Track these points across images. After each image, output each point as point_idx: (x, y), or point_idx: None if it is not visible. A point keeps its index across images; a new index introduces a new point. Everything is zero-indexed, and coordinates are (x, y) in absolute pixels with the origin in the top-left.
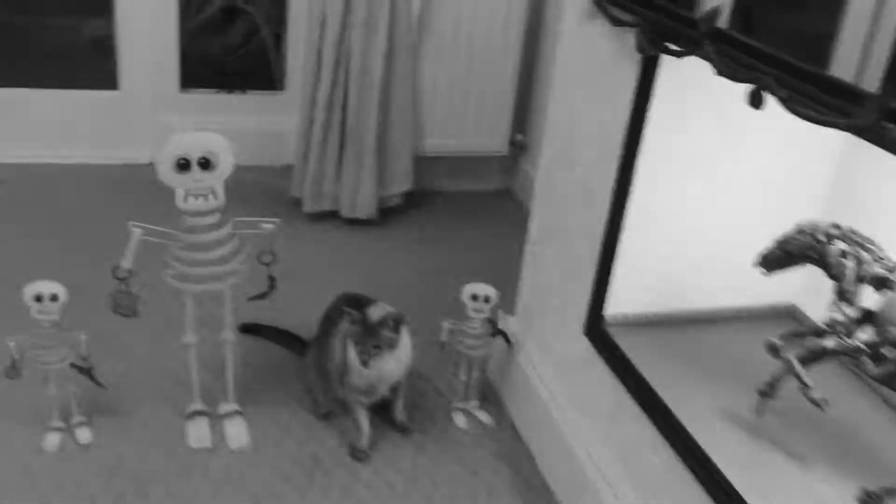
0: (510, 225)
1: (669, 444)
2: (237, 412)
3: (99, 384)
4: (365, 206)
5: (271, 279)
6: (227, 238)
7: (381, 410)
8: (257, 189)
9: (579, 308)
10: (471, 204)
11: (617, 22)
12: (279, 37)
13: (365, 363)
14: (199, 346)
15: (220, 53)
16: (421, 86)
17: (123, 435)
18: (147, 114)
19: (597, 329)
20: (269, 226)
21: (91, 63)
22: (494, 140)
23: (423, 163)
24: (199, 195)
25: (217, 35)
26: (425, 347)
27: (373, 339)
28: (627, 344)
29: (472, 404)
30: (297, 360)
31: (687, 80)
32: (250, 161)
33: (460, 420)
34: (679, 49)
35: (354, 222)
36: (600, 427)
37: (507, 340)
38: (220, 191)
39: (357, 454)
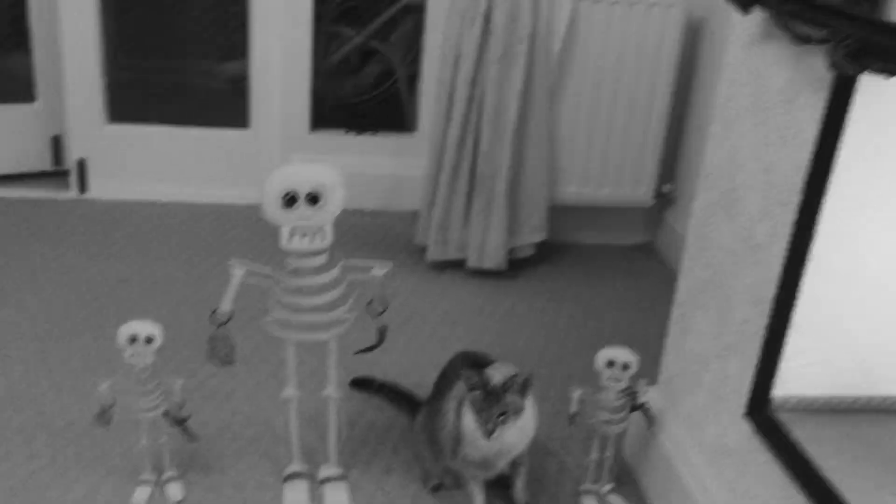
0: (652, 284)
1: None
2: (340, 477)
3: (192, 436)
4: (493, 256)
5: (381, 331)
6: (333, 283)
7: (499, 487)
8: (381, 235)
9: (739, 385)
10: (609, 259)
11: (803, 40)
12: (413, 78)
13: (489, 434)
14: (302, 401)
15: (352, 94)
16: (559, 129)
17: (216, 493)
18: (276, 153)
19: (762, 412)
20: (381, 270)
21: (227, 103)
22: (638, 190)
23: (558, 212)
24: (305, 234)
25: (350, 76)
26: (552, 418)
27: (497, 405)
28: (801, 433)
29: (605, 488)
30: (409, 423)
31: (890, 109)
32: (377, 206)
33: (588, 502)
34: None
35: (481, 273)
36: None
37: (648, 416)
38: (329, 230)
39: None
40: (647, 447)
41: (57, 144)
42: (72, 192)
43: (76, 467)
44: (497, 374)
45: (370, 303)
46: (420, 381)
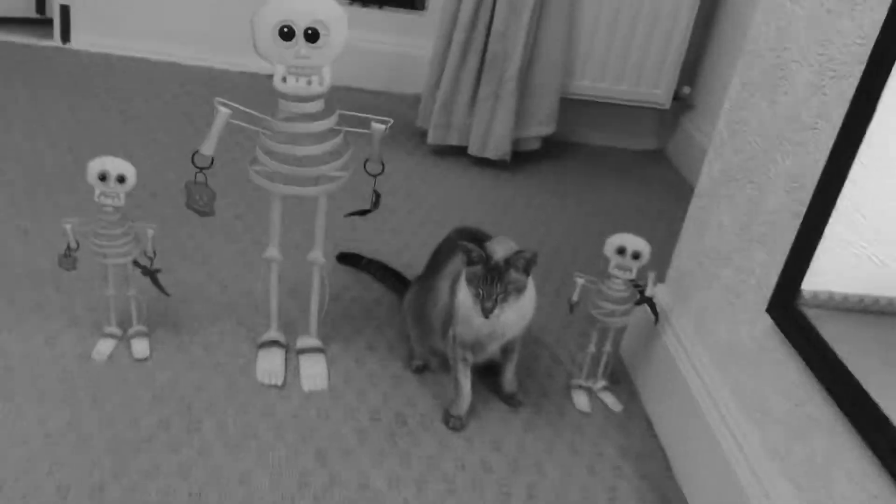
0: (662, 190)
1: (883, 466)
2: (318, 349)
3: (162, 290)
4: (497, 146)
5: (376, 195)
6: (328, 134)
7: (487, 374)
8: (381, 115)
9: (763, 279)
10: (618, 161)
11: None
12: None
13: (487, 312)
14: (285, 269)
15: None
16: (580, 13)
17: (183, 355)
18: None
19: (787, 306)
20: (380, 126)
21: None
22: (656, 90)
23: (569, 107)
24: (301, 75)
25: None
26: (548, 311)
27: (499, 282)
28: (827, 331)
29: (599, 384)
30: (396, 301)
31: None
32: (378, 86)
33: (581, 401)
34: None
35: (483, 162)
36: (775, 436)
37: (654, 312)
38: (328, 73)
39: (451, 421)
40: (647, 345)
41: None
42: (55, 40)
43: (36, 316)
44: (500, 249)
45: (367, 161)
46: (411, 263)
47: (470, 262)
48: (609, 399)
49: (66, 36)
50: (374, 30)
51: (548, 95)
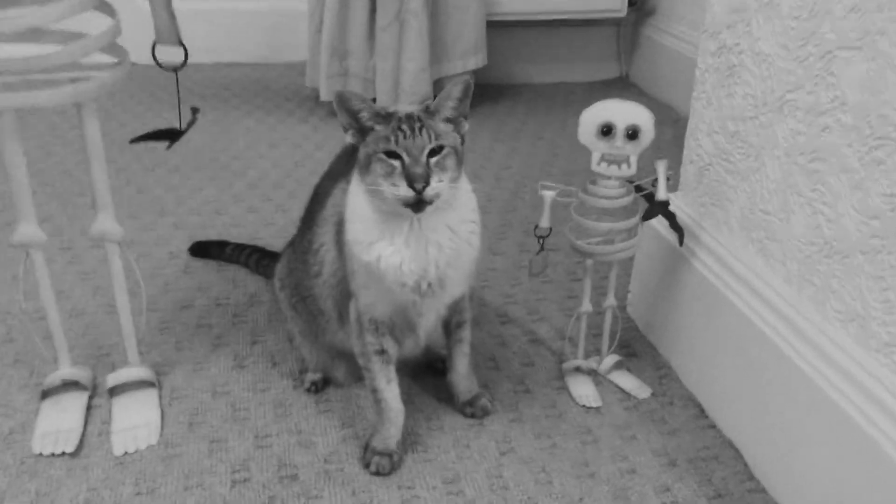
0: None
1: None
2: (143, 383)
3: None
4: (413, 87)
5: (193, 111)
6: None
7: (426, 376)
8: (263, 86)
9: None
10: (573, 97)
11: None
12: None
13: (416, 179)
14: (57, 255)
15: None
16: None
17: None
18: None
19: None
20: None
21: None
22: None
23: (502, 34)
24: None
25: None
26: (512, 269)
27: (425, 134)
28: None
29: (607, 362)
30: (267, 285)
31: None
32: (260, 58)
33: (585, 391)
34: None
35: None
36: None
37: (675, 225)
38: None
39: (375, 461)
40: (670, 287)
41: None
42: None
43: None
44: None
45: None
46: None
47: (359, 130)
48: (627, 381)
49: None
50: None
51: (469, 17)
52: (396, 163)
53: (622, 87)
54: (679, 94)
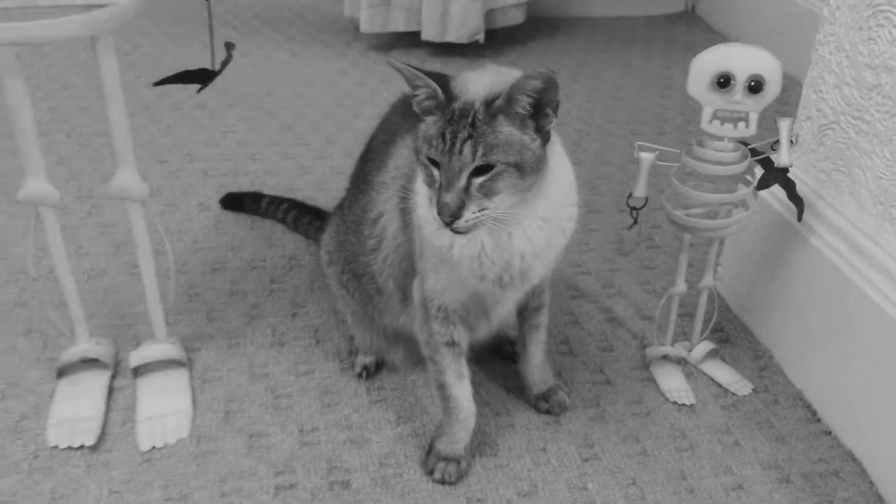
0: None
1: None
2: (171, 363)
3: None
4: (462, 22)
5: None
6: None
7: (491, 363)
8: (309, 17)
9: None
10: (634, 32)
11: None
12: None
13: (445, 210)
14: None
15: None
16: None
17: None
18: None
19: None
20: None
21: None
22: None
23: None
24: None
25: None
26: (584, 236)
27: (471, 144)
28: None
29: (699, 350)
30: (315, 250)
31: None
32: None
33: (674, 384)
34: None
35: (446, 50)
36: None
37: (795, 196)
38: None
39: (440, 468)
40: (780, 267)
41: None
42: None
43: None
44: (479, 84)
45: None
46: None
47: (422, 112)
48: (723, 373)
49: None
50: None
51: None
52: (437, 173)
53: (687, 22)
54: (758, 34)
